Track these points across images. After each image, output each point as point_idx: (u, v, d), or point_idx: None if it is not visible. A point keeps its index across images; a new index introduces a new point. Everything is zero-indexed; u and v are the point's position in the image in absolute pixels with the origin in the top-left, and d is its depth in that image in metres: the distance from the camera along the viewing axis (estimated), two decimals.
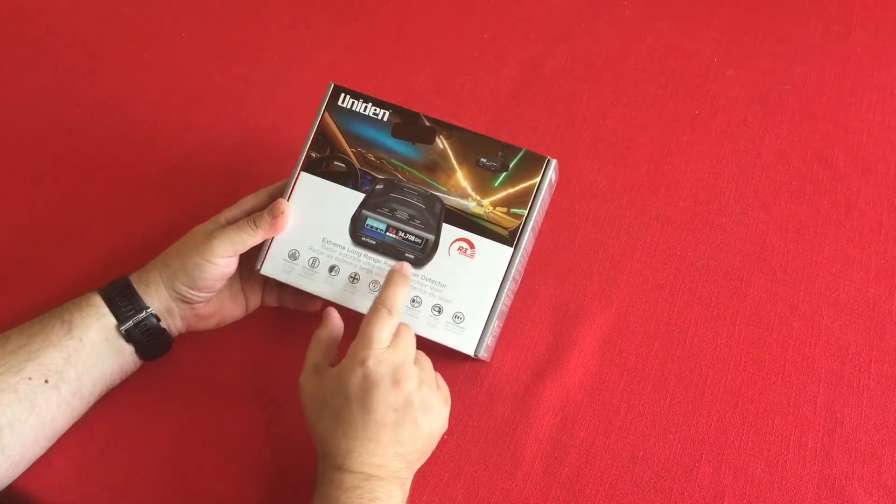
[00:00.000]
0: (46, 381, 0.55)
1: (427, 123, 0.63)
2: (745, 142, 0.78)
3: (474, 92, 0.82)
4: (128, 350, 0.59)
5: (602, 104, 0.81)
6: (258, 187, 0.64)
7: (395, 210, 0.62)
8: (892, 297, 0.69)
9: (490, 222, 0.61)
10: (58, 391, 0.56)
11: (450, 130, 0.63)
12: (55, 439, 0.58)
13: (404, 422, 0.54)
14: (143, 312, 0.59)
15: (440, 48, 0.85)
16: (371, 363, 0.53)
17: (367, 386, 0.53)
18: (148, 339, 0.59)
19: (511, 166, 0.62)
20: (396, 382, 0.53)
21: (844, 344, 0.66)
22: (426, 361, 0.58)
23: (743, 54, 0.85)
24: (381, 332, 0.55)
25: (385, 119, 0.63)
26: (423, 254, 0.61)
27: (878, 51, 0.85)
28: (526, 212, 0.61)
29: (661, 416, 0.63)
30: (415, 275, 0.60)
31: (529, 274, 0.68)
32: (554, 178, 0.63)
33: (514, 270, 0.60)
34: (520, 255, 0.61)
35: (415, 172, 0.62)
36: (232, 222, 0.61)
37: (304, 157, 0.63)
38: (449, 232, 0.61)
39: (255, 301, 0.65)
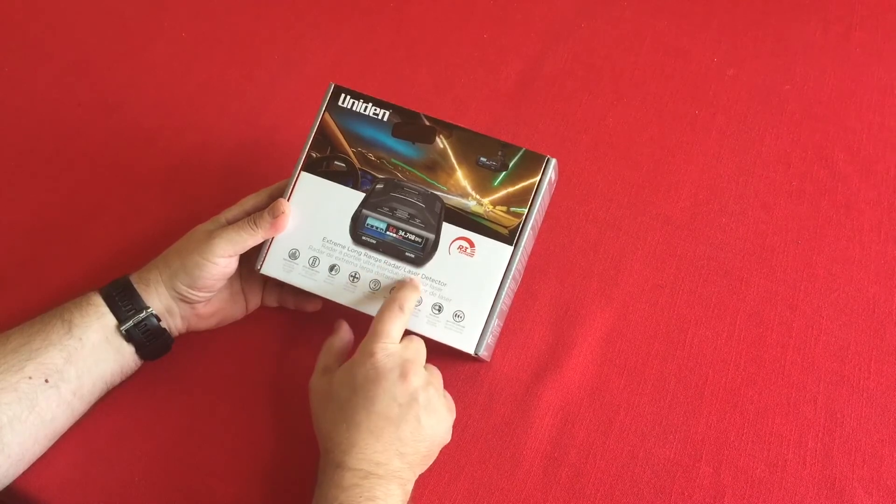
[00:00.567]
0: (46, 381, 0.55)
1: (427, 123, 0.63)
2: (745, 142, 0.78)
3: (474, 92, 0.82)
4: (128, 350, 0.59)
5: (602, 104, 0.81)
6: (258, 187, 0.64)
7: (396, 209, 0.62)
8: (892, 297, 0.69)
9: (490, 221, 0.61)
10: (58, 391, 0.56)
11: (450, 130, 0.63)
12: (55, 439, 0.58)
13: (407, 418, 0.54)
14: (144, 312, 0.59)
15: (440, 48, 0.85)
16: (380, 356, 0.54)
17: (374, 377, 0.53)
18: (148, 339, 0.59)
19: (511, 165, 0.62)
20: (403, 376, 0.54)
21: (844, 344, 0.66)
22: (437, 371, 0.59)
23: (743, 54, 0.85)
24: (393, 328, 0.56)
25: (385, 119, 0.63)
26: (423, 253, 0.61)
27: (878, 51, 0.85)
28: (526, 211, 0.61)
29: (661, 416, 0.63)
30: (415, 274, 0.60)
31: (529, 273, 0.68)
32: (554, 177, 0.63)
33: (514, 269, 0.60)
34: (520, 253, 0.61)
35: (415, 172, 0.62)
36: (232, 222, 0.61)
37: (304, 157, 0.63)
38: (449, 231, 0.61)
39: (255, 301, 0.65)
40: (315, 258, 0.61)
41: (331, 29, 0.87)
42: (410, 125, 0.63)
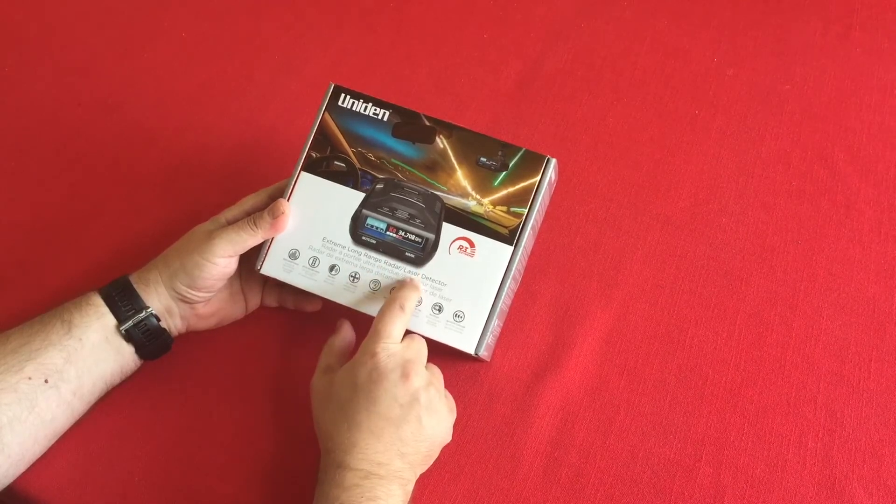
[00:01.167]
0: (46, 381, 0.55)
1: (427, 123, 0.63)
2: (745, 142, 0.78)
3: (474, 92, 0.82)
4: (128, 350, 0.59)
5: (602, 104, 0.81)
6: (258, 187, 0.64)
7: (396, 209, 0.62)
8: (892, 297, 0.69)
9: (490, 221, 0.61)
10: (58, 391, 0.56)
11: (450, 130, 0.63)
12: (55, 439, 0.58)
13: (408, 418, 0.54)
14: (143, 312, 0.59)
15: (440, 48, 0.85)
16: (382, 356, 0.54)
17: (376, 377, 0.53)
18: (148, 339, 0.59)
19: (511, 165, 0.62)
20: (405, 377, 0.54)
21: (844, 344, 0.66)
22: (438, 371, 0.59)
23: (743, 54, 0.85)
24: (394, 328, 0.56)
25: (385, 119, 0.63)
26: (423, 253, 0.61)
27: (878, 51, 0.85)
28: (526, 211, 0.61)
29: (661, 416, 0.63)
30: (415, 274, 0.60)
31: (529, 273, 0.68)
32: (554, 177, 0.63)
33: (514, 269, 0.60)
34: (520, 253, 0.61)
35: (415, 172, 0.62)
36: (232, 222, 0.61)
37: (304, 157, 0.63)
38: (449, 231, 0.61)
39: (255, 301, 0.65)
40: (315, 258, 0.61)
41: (331, 29, 0.87)
42: (410, 125, 0.63)
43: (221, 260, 0.58)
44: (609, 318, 0.68)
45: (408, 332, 0.58)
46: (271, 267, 0.62)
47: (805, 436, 0.62)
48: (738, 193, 0.75)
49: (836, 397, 0.64)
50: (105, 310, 0.58)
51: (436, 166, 0.62)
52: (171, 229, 0.64)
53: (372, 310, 0.59)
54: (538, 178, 0.61)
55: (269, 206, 0.61)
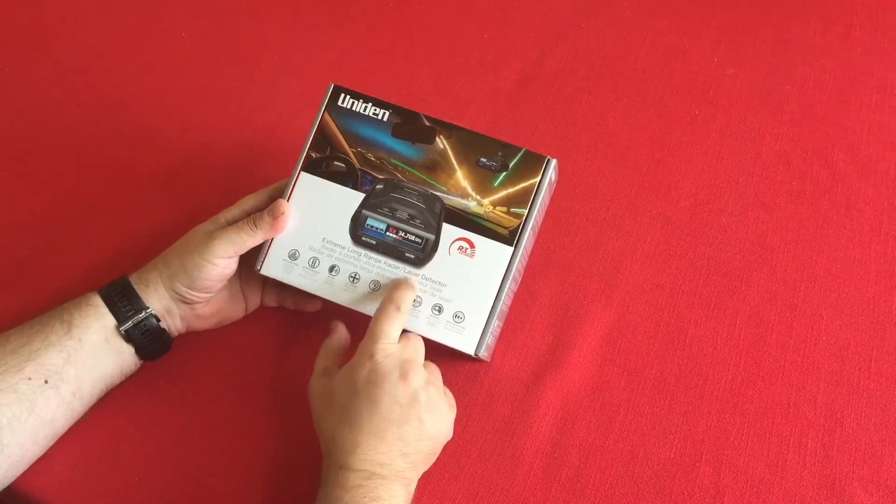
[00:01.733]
0: (46, 382, 0.55)
1: (427, 123, 0.63)
2: (745, 142, 0.78)
3: (474, 92, 0.82)
4: (127, 350, 0.59)
5: (602, 104, 0.81)
6: (258, 187, 0.64)
7: (396, 210, 0.62)
8: (892, 297, 0.69)
9: (490, 222, 0.61)
10: (57, 391, 0.56)
11: (450, 130, 0.63)
12: (55, 439, 0.58)
13: (409, 418, 0.54)
14: (143, 313, 0.59)
15: (440, 48, 0.85)
16: (379, 357, 0.54)
17: (375, 379, 0.54)
18: (148, 340, 0.59)
19: (511, 166, 0.62)
20: (404, 377, 0.54)
21: (844, 344, 0.66)
22: (436, 369, 0.59)
23: (743, 54, 0.85)
24: (391, 329, 0.56)
25: (385, 119, 0.63)
26: (423, 253, 0.61)
27: (878, 51, 0.85)
28: (526, 211, 0.61)
29: (661, 416, 0.63)
30: (415, 274, 0.60)
31: (529, 274, 0.68)
32: (554, 177, 0.63)
33: (514, 270, 0.60)
34: (520, 254, 0.61)
35: (415, 172, 0.62)
36: (232, 222, 0.61)
37: (304, 157, 0.63)
38: (449, 231, 0.61)
39: (254, 301, 0.65)
40: (315, 259, 0.61)
41: (331, 29, 0.87)
42: (410, 125, 0.63)
43: (221, 260, 0.58)
44: (609, 318, 0.68)
45: (404, 332, 0.58)
46: (271, 267, 0.62)
47: (805, 436, 0.62)
48: (738, 193, 0.75)
49: (836, 397, 0.64)
50: (105, 310, 0.58)
51: (436, 167, 0.62)
52: (171, 229, 0.64)
53: (371, 310, 0.59)
54: (538, 178, 0.61)
55: (268, 207, 0.61)
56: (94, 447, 0.61)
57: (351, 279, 0.61)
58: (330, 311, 0.63)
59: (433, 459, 0.58)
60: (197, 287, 0.59)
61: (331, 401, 0.55)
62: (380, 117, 0.63)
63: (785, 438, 0.62)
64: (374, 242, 0.61)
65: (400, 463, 0.54)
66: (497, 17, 0.89)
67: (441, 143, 0.63)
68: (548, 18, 0.88)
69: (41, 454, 0.58)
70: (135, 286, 0.59)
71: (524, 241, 0.61)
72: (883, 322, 0.68)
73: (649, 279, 0.70)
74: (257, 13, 0.88)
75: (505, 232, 0.61)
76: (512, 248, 0.60)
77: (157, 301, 0.59)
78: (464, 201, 0.61)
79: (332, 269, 0.61)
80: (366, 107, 0.64)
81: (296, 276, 0.61)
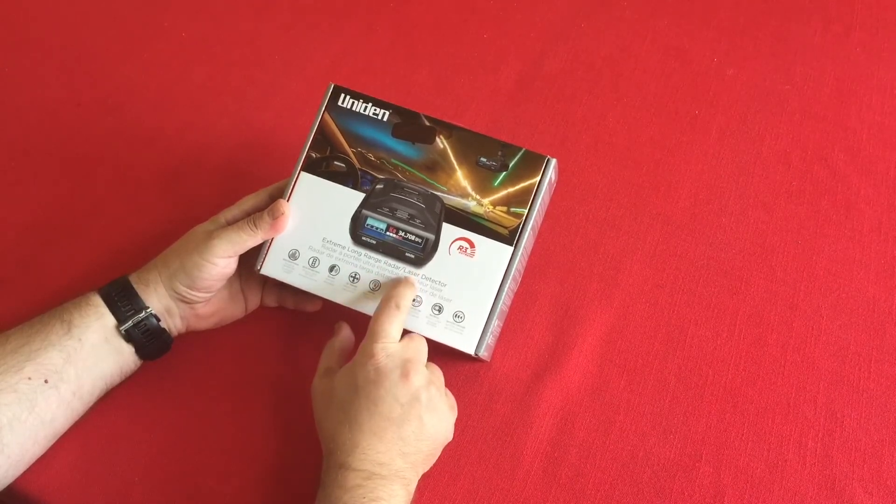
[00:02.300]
0: (46, 381, 0.55)
1: (427, 123, 0.63)
2: (745, 142, 0.78)
3: (474, 92, 0.82)
4: (127, 350, 0.59)
5: (602, 104, 0.81)
6: (258, 187, 0.64)
7: (396, 209, 0.62)
8: (892, 297, 0.69)
9: (490, 221, 0.61)
10: (57, 391, 0.56)
11: (450, 130, 0.63)
12: (55, 439, 0.58)
13: (410, 418, 0.54)
14: (143, 312, 0.59)
15: (440, 48, 0.85)
16: (381, 356, 0.54)
17: (376, 378, 0.53)
18: (148, 339, 0.59)
19: (511, 166, 0.62)
20: (405, 376, 0.54)
21: (844, 344, 0.66)
22: (438, 370, 0.59)
23: (743, 54, 0.85)
24: (391, 327, 0.56)
25: (385, 119, 0.63)
26: (423, 253, 0.61)
27: (878, 51, 0.85)
28: (526, 211, 0.61)
29: (661, 416, 0.63)
30: (415, 274, 0.60)
31: (529, 274, 0.68)
32: (554, 177, 0.63)
33: (514, 269, 0.60)
34: (520, 254, 0.61)
35: (415, 172, 0.62)
36: (232, 222, 0.61)
37: (304, 157, 0.63)
38: (449, 231, 0.61)
39: (254, 301, 0.65)
40: (315, 258, 0.61)
41: (331, 29, 0.87)
42: (410, 125, 0.63)
43: (221, 260, 0.58)
44: (609, 318, 0.68)
45: (407, 332, 0.58)
46: (271, 267, 0.62)
47: (805, 436, 0.62)
48: (738, 193, 0.75)
49: (836, 397, 0.64)
50: (105, 310, 0.58)
51: (436, 166, 0.62)
52: (171, 229, 0.64)
53: (371, 310, 0.59)
54: (538, 178, 0.61)
55: (268, 207, 0.61)
56: (94, 447, 0.61)
57: (351, 279, 0.61)
58: (330, 311, 0.63)
59: (433, 460, 0.58)
60: (197, 287, 0.59)
61: (331, 400, 0.55)
62: (380, 117, 0.63)
63: (785, 438, 0.62)
64: (374, 242, 0.61)
65: (399, 463, 0.54)
66: (497, 17, 0.89)
67: (441, 142, 0.63)
68: (548, 18, 0.88)
69: (41, 454, 0.58)
70: (135, 286, 0.59)
71: (524, 240, 0.61)
72: (883, 322, 0.68)
73: (649, 279, 0.70)
74: (257, 13, 0.88)
75: (505, 232, 0.61)
76: (512, 248, 0.60)
77: (157, 301, 0.59)
78: (464, 201, 0.61)
79: (332, 268, 0.61)
80: (366, 107, 0.64)
81: (296, 276, 0.61)
